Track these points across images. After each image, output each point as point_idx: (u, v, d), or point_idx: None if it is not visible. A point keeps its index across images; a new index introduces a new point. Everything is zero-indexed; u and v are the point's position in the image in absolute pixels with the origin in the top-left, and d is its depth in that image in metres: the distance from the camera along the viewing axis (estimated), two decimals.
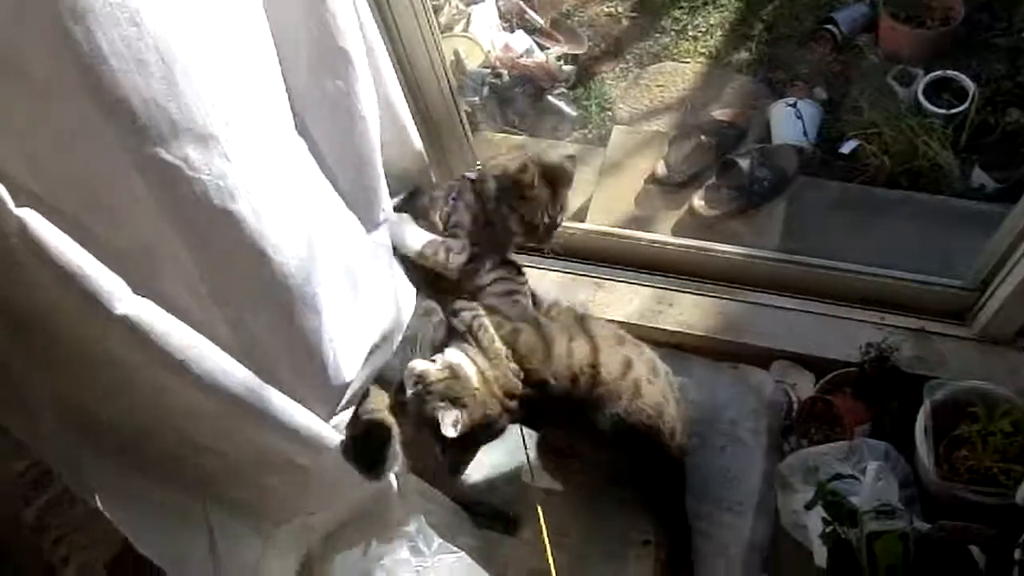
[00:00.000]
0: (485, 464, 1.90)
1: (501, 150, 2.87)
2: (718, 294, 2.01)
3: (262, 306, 1.14)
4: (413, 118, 1.69)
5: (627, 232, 2.13)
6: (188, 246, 1.00)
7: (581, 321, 1.72)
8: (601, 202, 2.61)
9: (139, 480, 1.20)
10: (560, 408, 1.63)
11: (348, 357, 1.35)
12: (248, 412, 1.14)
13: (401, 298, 1.56)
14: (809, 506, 1.48)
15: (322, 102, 1.25)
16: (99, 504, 1.10)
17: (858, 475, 1.58)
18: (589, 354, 1.62)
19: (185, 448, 1.25)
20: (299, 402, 1.24)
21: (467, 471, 1.85)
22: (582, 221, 2.44)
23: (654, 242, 2.09)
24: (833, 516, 1.44)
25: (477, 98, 3.05)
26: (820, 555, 1.54)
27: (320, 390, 1.32)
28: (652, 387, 1.66)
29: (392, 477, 1.51)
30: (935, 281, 1.91)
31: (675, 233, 2.48)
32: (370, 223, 1.44)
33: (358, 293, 1.36)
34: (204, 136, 0.93)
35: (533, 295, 1.81)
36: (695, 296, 2.02)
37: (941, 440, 1.63)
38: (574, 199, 2.65)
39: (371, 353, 1.42)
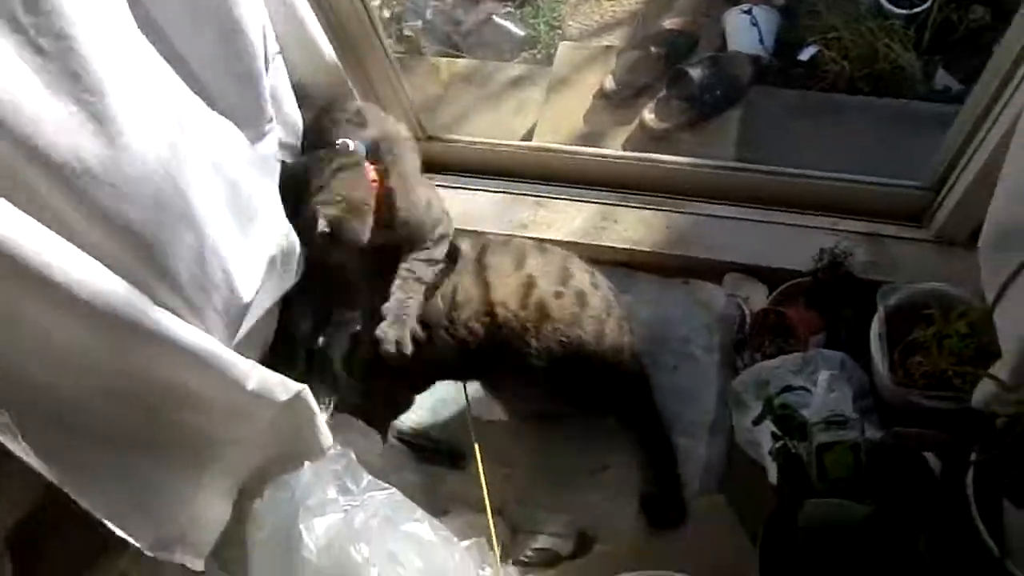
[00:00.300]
0: (428, 399, 1.82)
1: (443, 75, 2.75)
2: (665, 207, 1.91)
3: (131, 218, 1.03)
4: (326, 33, 1.57)
5: (567, 147, 2.04)
6: None
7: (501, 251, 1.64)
8: (548, 121, 2.50)
9: (59, 435, 1.10)
10: (501, 346, 1.55)
11: (243, 275, 1.24)
12: (135, 334, 1.03)
13: None
14: (757, 421, 1.41)
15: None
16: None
17: (810, 387, 1.50)
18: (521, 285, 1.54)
19: (85, 394, 1.14)
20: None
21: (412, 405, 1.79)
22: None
23: (597, 156, 1.99)
24: (782, 430, 1.37)
25: (420, 22, 2.95)
26: (772, 472, 1.47)
27: (216, 313, 1.22)
28: (593, 298, 1.58)
29: (313, 402, 1.43)
30: (890, 183, 1.83)
31: (625, 149, 2.37)
32: (255, 135, 1.34)
33: (246, 207, 1.25)
34: None
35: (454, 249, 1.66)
36: (641, 211, 1.92)
37: (896, 346, 1.56)
38: (522, 120, 2.58)
39: (270, 273, 1.32)
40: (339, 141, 1.47)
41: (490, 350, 1.56)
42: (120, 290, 1.00)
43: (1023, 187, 1.18)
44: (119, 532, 1.15)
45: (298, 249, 1.43)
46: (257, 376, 1.30)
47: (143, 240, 1.05)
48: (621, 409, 1.71)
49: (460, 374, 1.67)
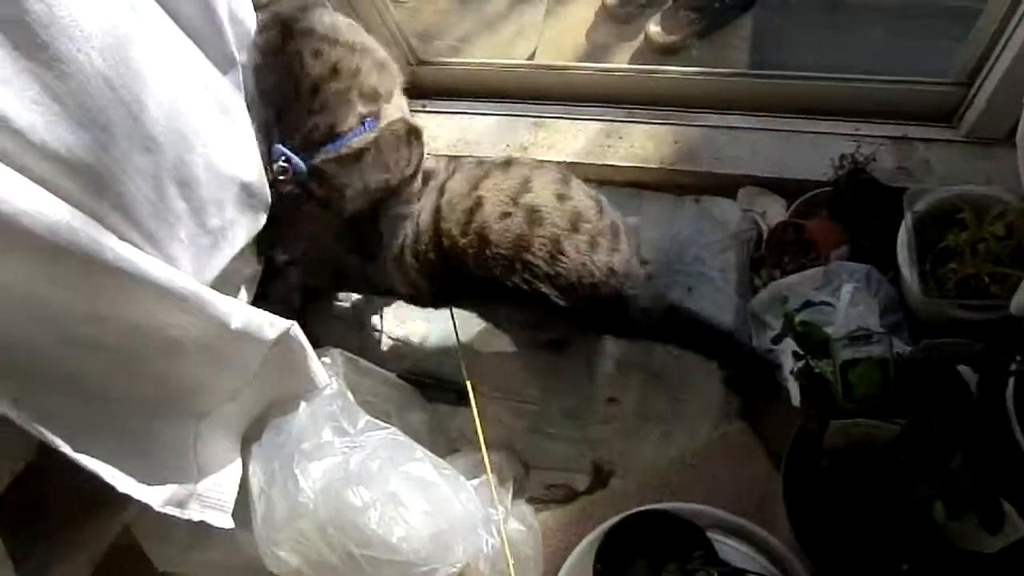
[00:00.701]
0: (434, 333, 1.75)
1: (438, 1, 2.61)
2: (673, 121, 1.80)
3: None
4: None
5: (567, 64, 1.91)
6: None
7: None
8: (549, 41, 2.34)
9: (46, 396, 1.04)
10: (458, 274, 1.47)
11: (213, 198, 1.16)
12: (94, 269, 0.95)
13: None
14: (776, 340, 1.32)
15: None
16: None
17: (833, 302, 1.41)
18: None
19: (61, 350, 1.07)
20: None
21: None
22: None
23: (598, 70, 1.86)
24: (804, 348, 1.27)
25: None
26: (795, 393, 1.38)
27: (181, 245, 1.14)
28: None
29: (304, 338, 1.36)
30: (916, 80, 1.70)
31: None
32: (225, 63, 1.24)
33: (211, 128, 1.16)
34: None
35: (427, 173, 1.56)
36: (647, 126, 1.80)
37: (926, 255, 1.45)
38: (523, 45, 2.45)
39: (240, 204, 1.24)
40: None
41: (455, 278, 1.46)
42: (72, 220, 0.91)
43: None
44: (124, 491, 1.08)
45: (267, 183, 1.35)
46: (241, 314, 1.23)
47: (87, 164, 0.97)
48: (618, 327, 1.60)
49: (443, 301, 1.58)
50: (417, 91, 1.94)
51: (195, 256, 1.18)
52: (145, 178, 1.04)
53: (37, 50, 0.87)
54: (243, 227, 1.29)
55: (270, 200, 1.37)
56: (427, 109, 1.94)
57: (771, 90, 1.77)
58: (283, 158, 1.36)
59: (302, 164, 1.37)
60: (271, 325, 1.30)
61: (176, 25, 1.14)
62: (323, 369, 1.43)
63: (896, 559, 1.14)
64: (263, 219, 1.35)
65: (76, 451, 1.02)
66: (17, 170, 0.85)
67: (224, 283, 1.29)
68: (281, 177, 1.36)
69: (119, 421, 1.16)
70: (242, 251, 1.32)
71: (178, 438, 1.28)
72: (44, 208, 0.87)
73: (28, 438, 1.12)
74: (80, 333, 1.07)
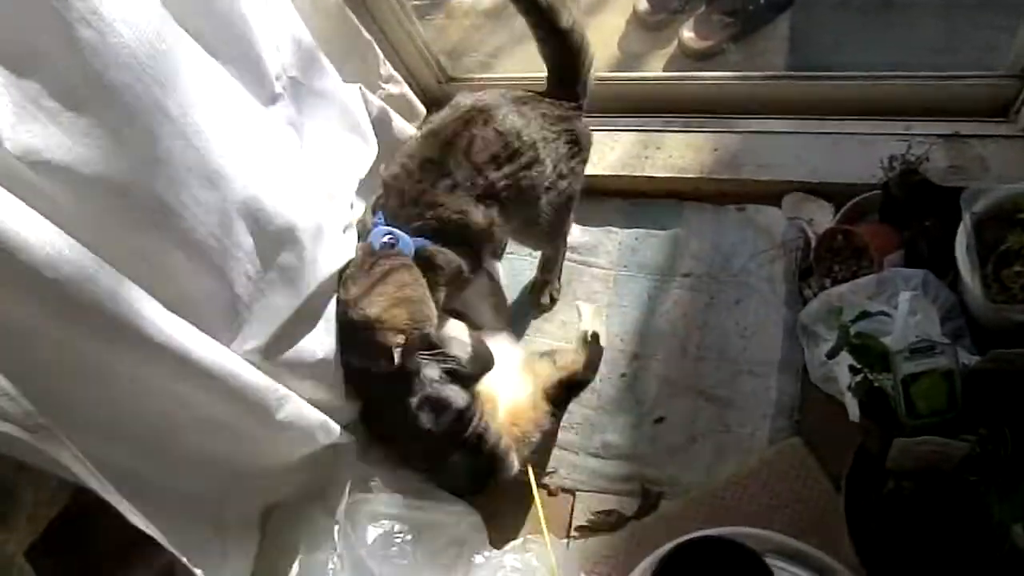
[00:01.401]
0: None
1: (467, 16, 2.58)
2: (712, 128, 1.75)
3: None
4: None
5: (601, 74, 1.83)
6: None
7: None
8: None
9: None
10: None
11: (278, 236, 1.16)
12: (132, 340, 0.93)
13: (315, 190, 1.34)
14: (831, 354, 1.24)
15: None
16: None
17: (890, 311, 1.34)
18: None
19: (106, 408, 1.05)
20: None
21: None
22: None
23: (632, 80, 1.82)
24: (861, 361, 1.20)
25: None
26: (853, 409, 1.32)
27: (252, 279, 1.14)
28: None
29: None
30: (967, 74, 1.64)
31: None
32: (264, 98, 1.23)
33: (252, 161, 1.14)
34: None
35: None
36: (684, 134, 1.76)
37: (988, 258, 1.38)
38: None
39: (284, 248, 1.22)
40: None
41: None
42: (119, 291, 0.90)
43: None
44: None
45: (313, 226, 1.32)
46: (291, 408, 1.22)
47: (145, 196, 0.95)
48: None
49: None
50: None
51: (259, 293, 1.15)
52: (209, 211, 1.02)
53: (88, 82, 0.85)
54: (311, 269, 1.27)
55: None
56: None
57: (812, 92, 1.72)
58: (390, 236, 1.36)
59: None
60: (326, 432, 1.29)
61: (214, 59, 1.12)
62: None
63: None
64: (325, 269, 1.33)
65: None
66: (55, 210, 0.83)
67: (293, 363, 1.27)
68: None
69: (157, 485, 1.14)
70: (314, 323, 1.30)
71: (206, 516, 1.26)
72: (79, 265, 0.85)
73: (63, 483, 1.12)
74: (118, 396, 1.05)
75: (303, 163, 1.32)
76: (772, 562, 1.19)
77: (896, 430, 1.12)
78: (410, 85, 1.78)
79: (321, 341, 1.31)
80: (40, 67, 0.81)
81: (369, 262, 1.35)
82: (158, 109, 0.93)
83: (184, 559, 1.11)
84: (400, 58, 1.81)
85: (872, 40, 2.06)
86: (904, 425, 1.12)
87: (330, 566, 1.34)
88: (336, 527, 1.38)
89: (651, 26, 2.28)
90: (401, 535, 1.42)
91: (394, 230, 1.36)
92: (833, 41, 2.14)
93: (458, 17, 2.61)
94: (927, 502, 1.12)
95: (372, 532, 1.41)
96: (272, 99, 1.26)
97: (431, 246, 1.37)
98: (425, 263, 1.37)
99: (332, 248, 1.34)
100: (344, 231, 1.41)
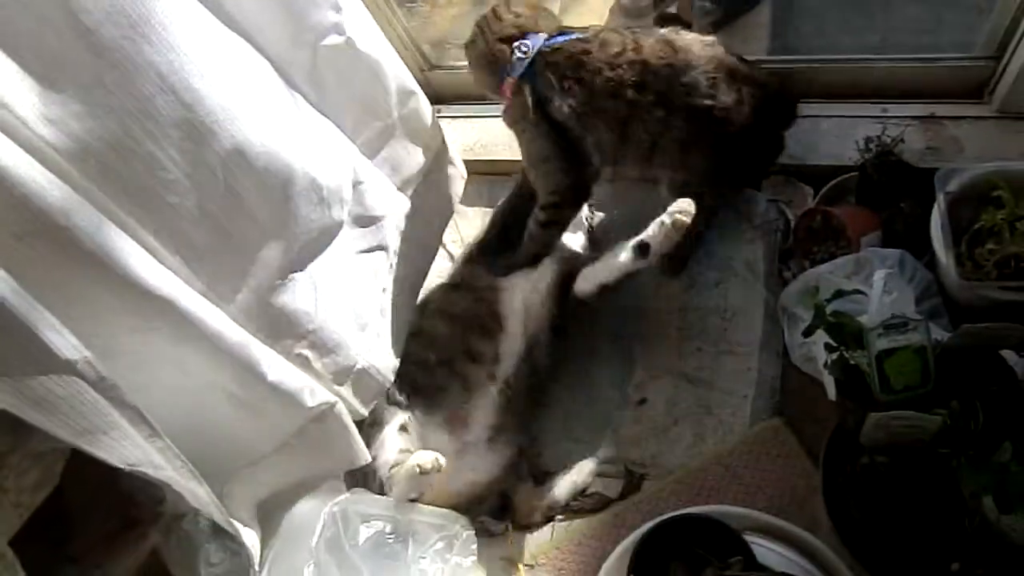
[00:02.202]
0: None
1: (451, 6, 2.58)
2: None
3: None
4: None
5: None
6: None
7: None
8: None
9: None
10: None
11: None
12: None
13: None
14: (807, 333, 1.26)
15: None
16: None
17: (866, 290, 1.35)
18: None
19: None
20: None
21: None
22: None
23: None
24: (836, 339, 1.21)
25: None
26: (831, 388, 1.33)
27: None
28: None
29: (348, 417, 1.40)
30: (942, 56, 1.65)
31: None
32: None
33: None
34: None
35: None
36: None
37: (962, 236, 1.39)
38: None
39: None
40: None
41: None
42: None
43: None
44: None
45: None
46: (280, 370, 1.24)
47: None
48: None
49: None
50: (432, 97, 1.91)
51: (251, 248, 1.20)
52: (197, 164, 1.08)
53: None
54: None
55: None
56: (442, 115, 1.92)
57: (792, 75, 1.72)
58: None
59: None
60: (311, 393, 1.30)
61: None
62: (365, 449, 1.45)
63: (946, 558, 1.08)
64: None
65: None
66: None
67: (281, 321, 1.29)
68: None
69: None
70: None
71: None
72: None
73: (55, 462, 1.13)
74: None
75: (304, 115, 1.34)
76: (752, 540, 1.21)
77: (871, 406, 1.14)
78: None
79: (306, 299, 1.34)
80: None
81: None
82: (148, 65, 0.97)
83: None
84: None
85: (852, 24, 2.09)
86: (879, 401, 1.13)
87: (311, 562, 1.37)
88: (322, 521, 1.41)
89: (633, 13, 2.29)
90: (392, 536, 1.44)
91: None
92: (813, 27, 2.16)
93: (442, 6, 2.61)
94: (901, 476, 1.14)
95: (364, 532, 1.43)
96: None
97: None
98: None
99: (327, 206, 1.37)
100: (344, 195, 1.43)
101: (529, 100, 1.53)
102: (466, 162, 1.80)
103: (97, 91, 0.94)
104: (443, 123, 1.88)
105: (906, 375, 1.13)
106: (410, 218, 1.61)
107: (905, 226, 1.49)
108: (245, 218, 1.18)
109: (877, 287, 1.30)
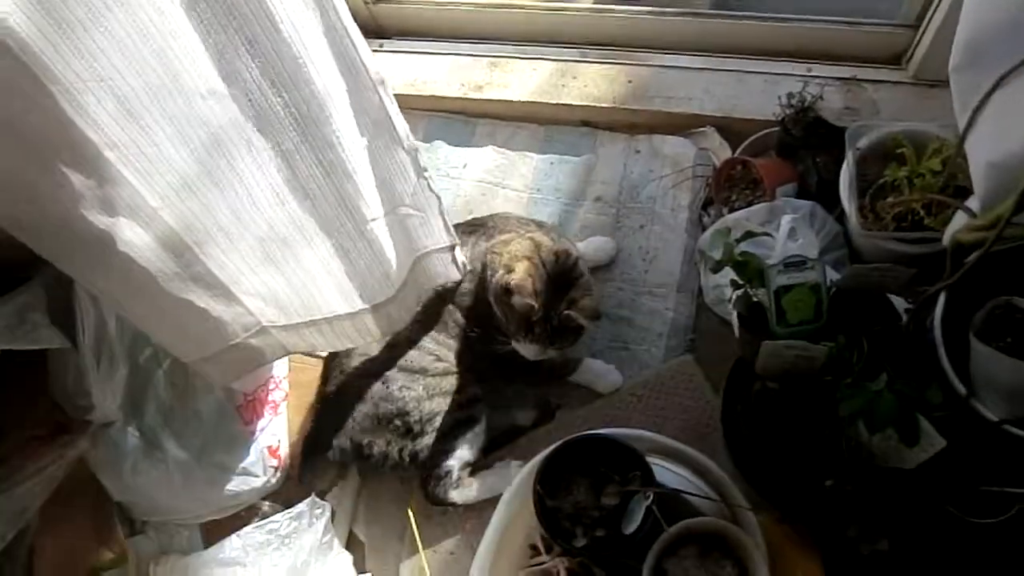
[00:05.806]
0: None
1: None
2: (627, 61, 1.81)
3: None
4: None
5: (524, 3, 1.89)
6: None
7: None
8: None
9: None
10: None
11: None
12: None
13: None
14: (715, 268, 1.33)
15: None
16: None
17: (775, 234, 1.43)
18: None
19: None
20: None
21: None
22: None
23: (555, 10, 1.85)
24: (742, 276, 1.29)
25: None
26: (735, 323, 1.41)
27: None
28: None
29: None
30: (867, 22, 1.72)
31: None
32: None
33: None
34: None
35: None
36: (600, 65, 1.81)
37: (867, 190, 1.47)
38: None
39: None
40: None
41: None
42: None
43: None
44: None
45: None
46: None
47: None
48: None
49: None
50: (375, 31, 1.93)
51: None
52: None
53: None
54: None
55: None
56: (384, 49, 1.94)
57: (724, 31, 1.78)
58: None
59: None
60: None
61: None
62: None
63: (822, 475, 1.18)
64: None
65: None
66: None
67: None
68: None
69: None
70: None
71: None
72: None
73: None
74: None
75: None
76: (652, 460, 1.29)
77: (769, 339, 1.22)
78: None
79: None
80: None
81: None
82: None
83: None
84: None
85: None
86: (775, 334, 1.22)
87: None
88: None
89: None
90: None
91: None
92: None
93: None
94: (789, 401, 1.22)
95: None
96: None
97: None
98: None
99: None
100: None
101: None
102: (406, 96, 1.82)
103: None
104: (384, 57, 1.90)
105: (801, 310, 1.21)
106: None
107: (819, 179, 1.57)
108: None
109: (783, 231, 1.38)
